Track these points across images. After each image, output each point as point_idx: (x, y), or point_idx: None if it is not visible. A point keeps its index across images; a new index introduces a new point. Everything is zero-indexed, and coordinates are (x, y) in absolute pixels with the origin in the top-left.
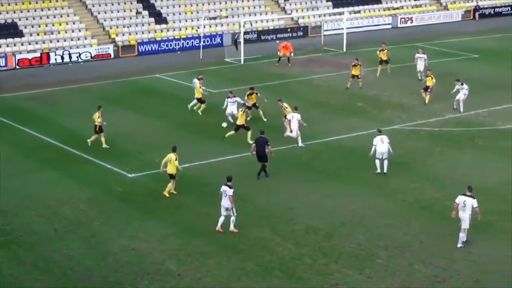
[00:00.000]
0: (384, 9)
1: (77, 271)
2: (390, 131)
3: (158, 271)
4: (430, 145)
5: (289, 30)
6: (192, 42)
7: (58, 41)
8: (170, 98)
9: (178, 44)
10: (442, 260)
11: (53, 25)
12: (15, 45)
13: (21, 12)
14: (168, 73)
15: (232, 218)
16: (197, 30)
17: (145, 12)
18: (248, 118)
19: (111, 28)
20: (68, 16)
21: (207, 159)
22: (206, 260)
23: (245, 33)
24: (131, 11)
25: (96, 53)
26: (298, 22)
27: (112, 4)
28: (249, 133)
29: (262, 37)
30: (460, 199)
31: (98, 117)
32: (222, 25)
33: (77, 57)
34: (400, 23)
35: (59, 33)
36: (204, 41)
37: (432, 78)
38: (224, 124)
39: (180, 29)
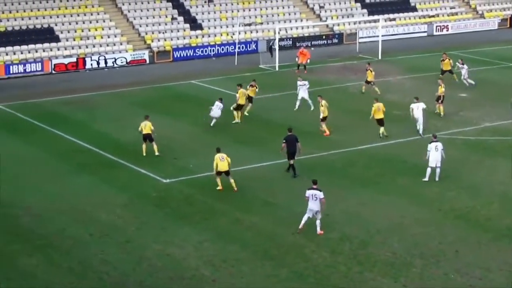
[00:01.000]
0: (420, 17)
1: (112, 275)
2: (425, 139)
3: (193, 277)
4: (466, 153)
5: (324, 37)
6: (227, 48)
7: (94, 46)
8: (205, 104)
9: (213, 50)
10: (478, 270)
11: (89, 30)
12: (51, 50)
13: (58, 17)
14: (203, 79)
15: (318, 222)
16: (232, 37)
17: (181, 18)
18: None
19: (146, 33)
20: (104, 21)
21: (242, 165)
22: (240, 266)
23: (280, 39)
24: (166, 17)
25: (132, 58)
26: (333, 29)
27: (148, 10)
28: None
29: (297, 44)
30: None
31: (151, 126)
32: (257, 32)
33: (112, 62)
34: (436, 31)
35: (95, 38)
36: (239, 48)
37: (442, 87)
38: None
39: (215, 35)
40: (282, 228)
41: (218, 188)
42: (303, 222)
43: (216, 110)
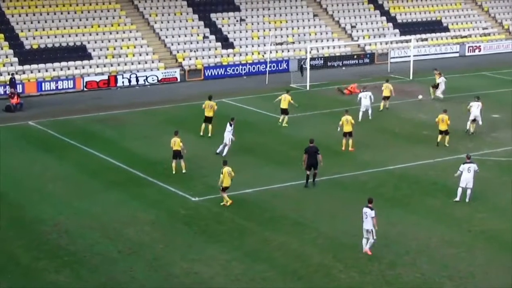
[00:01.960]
0: (452, 37)
1: None
2: (456, 160)
3: None
4: (497, 175)
5: (355, 56)
6: (258, 67)
7: (125, 64)
8: (235, 123)
9: (244, 69)
10: None
11: (121, 48)
12: (83, 67)
13: (90, 35)
14: (234, 98)
15: (371, 240)
16: (263, 55)
17: (212, 37)
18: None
19: (178, 52)
20: (136, 39)
21: (270, 184)
22: (268, 285)
23: (311, 59)
24: (198, 35)
25: (163, 76)
26: (365, 49)
27: (180, 29)
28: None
29: (329, 64)
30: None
31: (180, 142)
32: (288, 51)
33: (144, 80)
34: (468, 52)
35: (126, 56)
36: (270, 67)
37: (446, 121)
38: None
39: (247, 54)
40: (310, 248)
41: (226, 203)
42: (364, 246)
43: (226, 134)
